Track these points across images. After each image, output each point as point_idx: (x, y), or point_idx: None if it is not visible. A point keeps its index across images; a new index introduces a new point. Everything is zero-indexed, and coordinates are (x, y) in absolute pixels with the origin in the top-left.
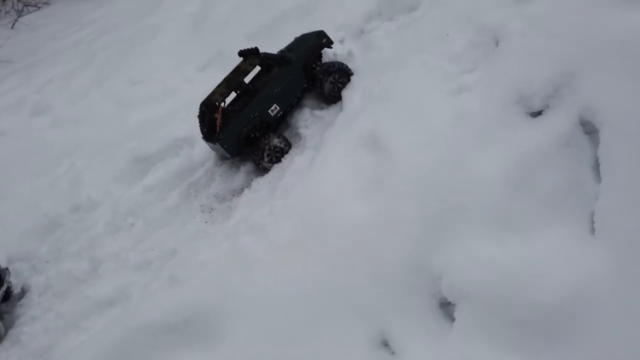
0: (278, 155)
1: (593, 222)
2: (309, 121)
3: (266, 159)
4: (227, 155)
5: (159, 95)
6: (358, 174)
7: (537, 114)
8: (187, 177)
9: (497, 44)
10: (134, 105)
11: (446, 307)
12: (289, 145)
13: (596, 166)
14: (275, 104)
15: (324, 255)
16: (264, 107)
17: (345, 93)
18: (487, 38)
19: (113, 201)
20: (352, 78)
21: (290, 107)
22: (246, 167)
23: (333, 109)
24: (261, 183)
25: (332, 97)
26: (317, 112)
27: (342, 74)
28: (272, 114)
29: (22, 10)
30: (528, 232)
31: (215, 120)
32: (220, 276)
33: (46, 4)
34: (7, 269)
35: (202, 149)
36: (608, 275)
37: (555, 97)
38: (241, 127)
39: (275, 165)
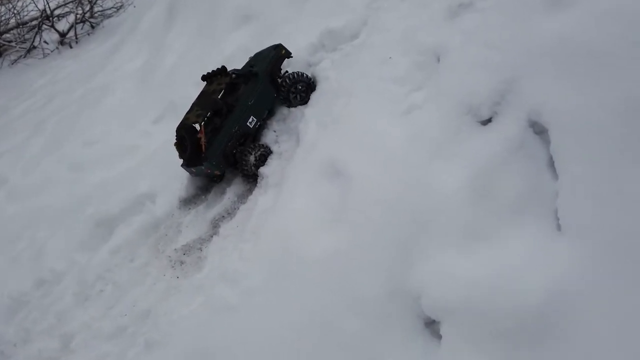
0: (263, 160)
1: (558, 219)
2: (269, 158)
3: (253, 167)
4: (216, 172)
5: (116, 154)
6: (322, 205)
7: (487, 121)
8: (153, 233)
9: (438, 60)
10: (91, 168)
11: (432, 326)
12: (269, 150)
13: (551, 164)
14: (252, 116)
15: (301, 294)
16: (243, 121)
17: (300, 126)
18: (428, 57)
19: (79, 270)
20: (306, 111)
21: (263, 119)
22: (212, 213)
23: (290, 142)
24: (229, 228)
25: (292, 104)
26: (275, 148)
27: (304, 85)
28: (251, 126)
29: None
30: (497, 239)
31: (199, 140)
32: (199, 332)
33: None
34: None
35: (165, 202)
36: (581, 270)
37: (501, 104)
38: (225, 143)
39: (242, 207)
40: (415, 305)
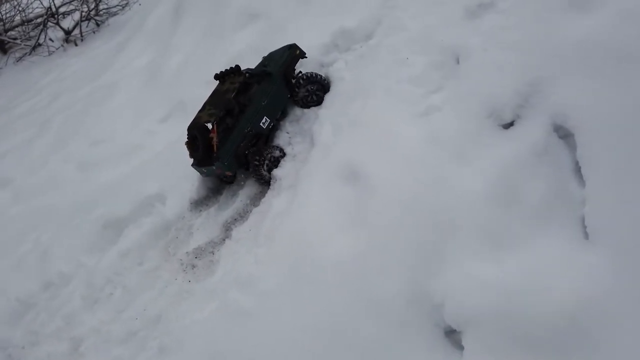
0: (276, 163)
1: (585, 227)
2: (282, 160)
3: (266, 170)
4: (227, 173)
5: (123, 153)
6: (339, 208)
7: (509, 125)
8: (164, 236)
9: (457, 61)
10: (98, 167)
11: (452, 335)
12: (283, 152)
13: (577, 170)
14: (265, 117)
15: (317, 298)
16: (256, 121)
17: (315, 128)
18: (447, 57)
19: (87, 272)
20: (320, 112)
21: (277, 119)
22: (223, 216)
23: (304, 144)
24: (242, 231)
25: (306, 105)
26: (289, 150)
27: (319, 86)
28: (264, 127)
29: None
30: (522, 246)
31: (211, 140)
32: (212, 337)
33: None
34: None
35: (176, 204)
36: (610, 279)
37: (525, 107)
38: (238, 143)
39: (254, 210)
40: (435, 313)
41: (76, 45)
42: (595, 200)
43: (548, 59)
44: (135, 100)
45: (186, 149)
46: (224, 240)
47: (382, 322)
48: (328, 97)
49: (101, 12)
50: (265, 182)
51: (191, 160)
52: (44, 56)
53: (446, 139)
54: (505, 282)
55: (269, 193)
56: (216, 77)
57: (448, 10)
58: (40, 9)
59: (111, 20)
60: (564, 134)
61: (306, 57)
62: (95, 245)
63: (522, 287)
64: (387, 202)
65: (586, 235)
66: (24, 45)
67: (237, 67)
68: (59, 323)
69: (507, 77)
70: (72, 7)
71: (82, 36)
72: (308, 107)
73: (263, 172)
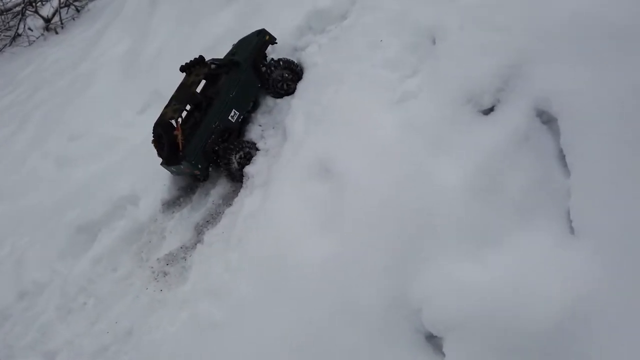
0: (248, 159)
1: (571, 221)
2: (254, 156)
3: (237, 166)
4: (195, 172)
5: (101, 148)
6: (313, 207)
7: (489, 110)
8: (137, 239)
9: (434, 42)
10: (76, 163)
11: (433, 341)
12: (255, 147)
13: (562, 158)
14: (233, 109)
15: (291, 306)
16: (223, 114)
17: (287, 120)
18: (423, 38)
19: (61, 280)
20: (293, 102)
21: (248, 111)
22: (196, 217)
23: (276, 138)
24: (214, 234)
25: (278, 94)
26: (261, 144)
27: (291, 73)
28: (233, 120)
29: None
30: (505, 243)
31: (176, 138)
32: (184, 353)
33: None
34: None
35: (148, 205)
36: (599, 278)
37: (505, 91)
38: (205, 139)
39: (227, 210)
40: (415, 318)
41: (57, 33)
42: (581, 192)
43: (531, 37)
44: (113, 91)
45: (154, 147)
46: (196, 244)
47: (361, 329)
48: (301, 85)
49: None
50: (237, 180)
51: (160, 159)
52: (24, 46)
53: (423, 128)
54: (487, 284)
55: (242, 192)
56: (182, 69)
57: None
58: None
59: (91, 5)
60: (547, 119)
61: (276, 43)
62: (69, 251)
63: (505, 289)
64: (361, 200)
65: (572, 230)
66: (3, 36)
67: (201, 57)
68: (34, 335)
69: (487, 58)
70: None
71: (62, 23)
72: (281, 96)
73: (234, 169)
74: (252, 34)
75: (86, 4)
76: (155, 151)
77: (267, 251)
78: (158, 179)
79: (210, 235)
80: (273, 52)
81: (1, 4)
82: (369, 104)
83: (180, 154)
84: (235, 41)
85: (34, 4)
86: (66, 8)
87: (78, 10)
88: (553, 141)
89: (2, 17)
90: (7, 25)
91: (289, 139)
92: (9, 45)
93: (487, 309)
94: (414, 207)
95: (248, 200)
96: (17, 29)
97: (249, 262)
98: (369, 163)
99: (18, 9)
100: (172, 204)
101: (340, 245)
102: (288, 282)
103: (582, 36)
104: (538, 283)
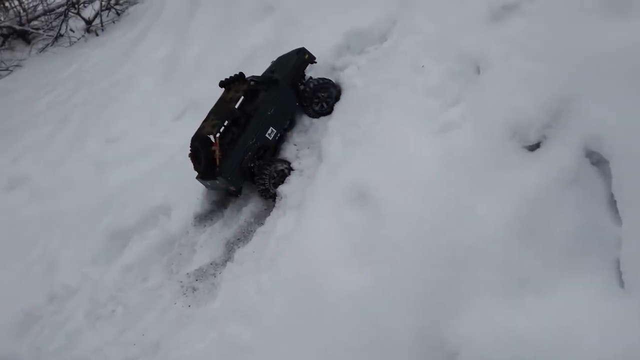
0: (282, 178)
1: (620, 273)
2: (289, 175)
3: (272, 185)
4: (231, 188)
5: (136, 153)
6: (347, 234)
7: (535, 147)
8: (167, 251)
9: (478, 71)
10: (112, 166)
11: None
12: (290, 166)
13: (612, 203)
14: (271, 127)
15: (320, 335)
16: (261, 132)
17: (323, 141)
18: (467, 66)
19: (91, 286)
20: (329, 123)
21: (285, 129)
22: (227, 234)
23: (312, 158)
24: (245, 253)
25: (316, 113)
26: (296, 164)
27: (330, 93)
28: (270, 138)
29: None
30: (548, 289)
31: (213, 153)
32: None
33: (18, 66)
34: None
35: (180, 217)
36: None
37: (553, 127)
38: (242, 156)
39: (259, 230)
40: None
41: (97, 35)
42: (633, 242)
43: (582, 71)
44: (152, 95)
45: (190, 160)
46: (226, 262)
47: None
48: (339, 106)
49: (122, 1)
50: (270, 198)
51: (196, 172)
52: (66, 47)
53: (465, 160)
54: (528, 332)
55: (274, 212)
56: (221, 84)
57: (469, 11)
58: None
59: (131, 9)
60: (597, 160)
61: (316, 62)
62: (100, 257)
63: (548, 339)
64: (398, 231)
65: (621, 283)
66: (47, 35)
67: (242, 74)
68: (62, 341)
69: (534, 91)
70: None
71: (102, 26)
72: (318, 116)
73: (268, 187)
74: (292, 52)
75: (126, 8)
76: (191, 164)
77: (299, 275)
78: (192, 192)
79: (240, 253)
80: (311, 71)
81: (45, 4)
82: (410, 131)
83: (217, 169)
84: (275, 56)
85: (76, 5)
86: (107, 11)
87: (118, 14)
88: (603, 185)
89: (46, 17)
90: (50, 25)
91: (325, 160)
92: (51, 45)
93: (528, 359)
94: (452, 242)
95: (281, 221)
96: (60, 29)
97: (278, 285)
98: (408, 192)
99: (61, 9)
100: (204, 218)
101: (374, 275)
102: (319, 309)
103: (634, 70)
104: (582, 336)
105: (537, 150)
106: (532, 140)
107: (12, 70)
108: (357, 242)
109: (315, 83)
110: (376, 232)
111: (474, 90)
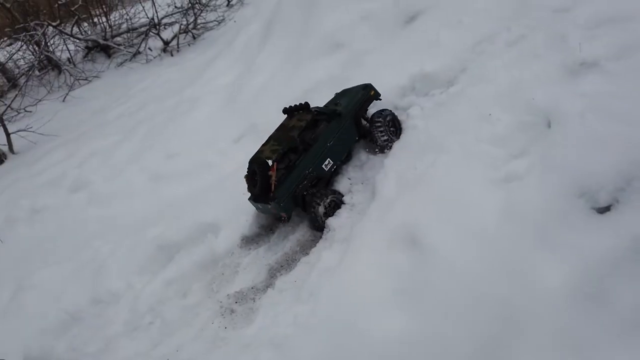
0: (333, 211)
1: None
2: (339, 210)
3: (323, 216)
4: (282, 214)
5: (193, 170)
6: (393, 275)
7: (604, 209)
8: (211, 269)
9: (549, 125)
10: (168, 180)
11: None
12: (341, 200)
13: None
14: (329, 158)
15: None
16: (318, 162)
17: (378, 178)
18: (537, 118)
19: (133, 295)
20: (386, 161)
21: (341, 162)
22: (271, 259)
23: (364, 194)
24: (286, 282)
25: (378, 146)
26: (348, 198)
27: (394, 128)
28: (326, 169)
29: (73, 84)
30: None
31: (270, 178)
32: None
33: (96, 77)
34: None
35: (227, 238)
36: None
37: (626, 191)
38: (297, 184)
39: (303, 259)
40: None
41: (172, 55)
42: None
43: None
44: (214, 118)
45: (245, 182)
46: (267, 288)
47: None
48: (397, 145)
49: (199, 27)
50: (318, 229)
51: (249, 194)
52: (142, 63)
53: (527, 216)
54: None
55: (320, 243)
56: (285, 111)
57: (544, 64)
58: (144, 19)
59: (207, 34)
60: None
61: (380, 99)
62: (147, 267)
63: None
64: (447, 281)
65: None
66: (126, 51)
67: (307, 104)
68: (99, 344)
69: (608, 152)
70: (173, 19)
71: (178, 47)
72: (383, 150)
73: (318, 218)
74: (358, 86)
75: (203, 33)
76: (245, 185)
77: (337, 312)
78: (241, 213)
79: (282, 281)
80: (373, 107)
81: (130, 23)
82: (469, 178)
83: (271, 194)
84: (338, 90)
85: (157, 27)
86: (185, 34)
87: (194, 38)
88: None
89: (128, 34)
90: (130, 42)
91: (377, 198)
92: (129, 60)
93: None
94: (504, 302)
95: (326, 253)
96: (139, 47)
97: (316, 320)
98: (462, 242)
99: (143, 29)
100: (250, 241)
101: (416, 325)
102: (353, 353)
103: None
104: None
105: (607, 214)
106: (603, 203)
107: (90, 80)
108: (401, 285)
109: (392, 115)
110: (423, 278)
111: (542, 144)
